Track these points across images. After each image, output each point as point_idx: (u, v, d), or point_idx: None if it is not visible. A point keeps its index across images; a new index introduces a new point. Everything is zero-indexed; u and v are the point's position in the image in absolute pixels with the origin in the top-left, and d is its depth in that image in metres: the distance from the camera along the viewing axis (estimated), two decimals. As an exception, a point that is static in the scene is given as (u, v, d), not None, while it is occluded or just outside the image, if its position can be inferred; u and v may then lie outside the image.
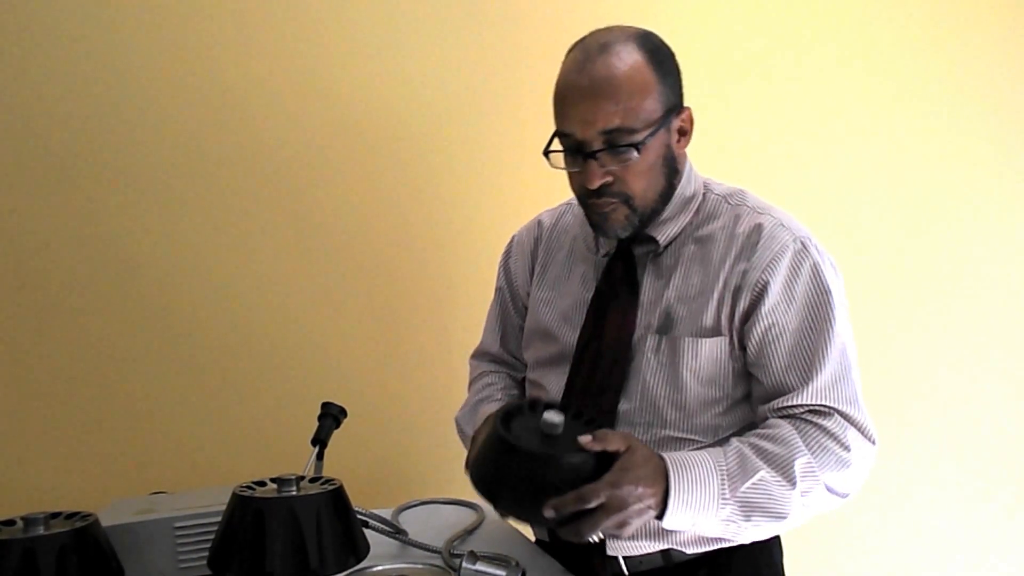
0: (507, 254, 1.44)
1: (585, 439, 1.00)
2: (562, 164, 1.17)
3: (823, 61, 2.05)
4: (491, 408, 1.27)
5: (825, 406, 1.11)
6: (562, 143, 1.16)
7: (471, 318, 1.67)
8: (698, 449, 1.13)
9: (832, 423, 1.10)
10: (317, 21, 1.74)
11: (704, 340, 1.15)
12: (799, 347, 1.13)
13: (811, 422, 1.10)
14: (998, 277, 2.18)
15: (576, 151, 1.13)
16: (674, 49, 1.18)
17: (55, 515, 1.01)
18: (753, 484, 1.05)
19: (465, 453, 1.27)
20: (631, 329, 1.19)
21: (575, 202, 1.37)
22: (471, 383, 1.47)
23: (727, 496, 1.04)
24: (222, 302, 1.72)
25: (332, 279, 1.79)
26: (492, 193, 1.85)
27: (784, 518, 1.07)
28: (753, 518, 1.06)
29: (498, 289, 1.45)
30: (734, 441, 1.10)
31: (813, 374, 1.11)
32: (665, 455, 1.05)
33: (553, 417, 1.00)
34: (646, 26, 1.18)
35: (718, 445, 1.13)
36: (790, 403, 1.12)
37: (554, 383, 1.26)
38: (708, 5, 1.97)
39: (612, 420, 1.18)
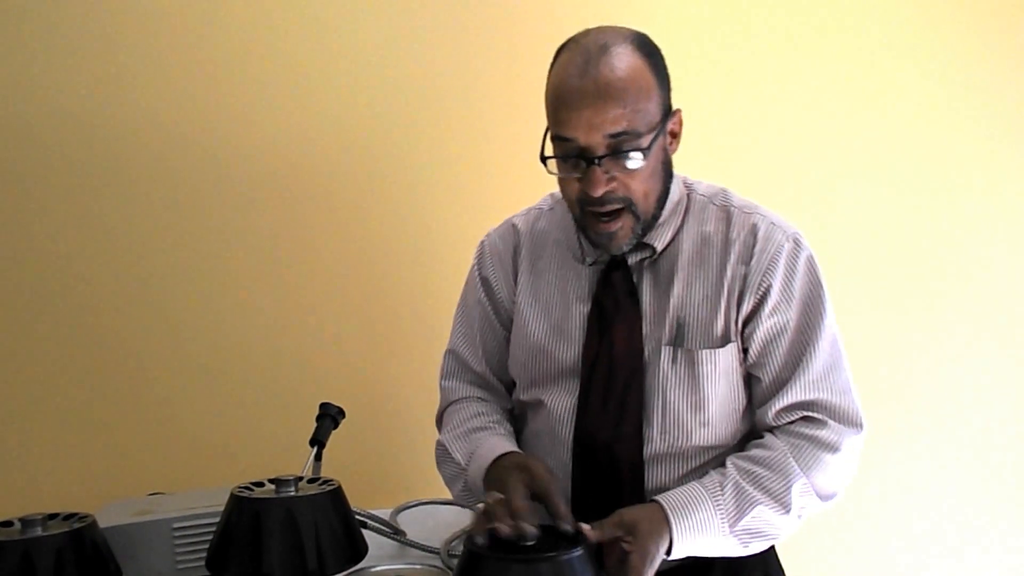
0: (480, 263, 1.32)
1: (585, 527, 0.98)
2: (561, 171, 1.11)
3: (812, 59, 2.04)
4: (492, 441, 1.17)
5: (819, 402, 1.13)
6: (559, 148, 1.09)
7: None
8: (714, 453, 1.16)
9: (827, 432, 1.11)
10: (303, 22, 1.74)
11: (719, 350, 1.14)
12: (796, 342, 1.14)
13: (806, 436, 1.12)
14: (997, 272, 2.17)
15: (578, 156, 1.07)
16: (662, 49, 1.15)
17: (53, 516, 1.01)
18: (752, 517, 1.08)
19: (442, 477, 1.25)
20: (640, 342, 1.15)
21: (546, 206, 1.31)
22: (449, 405, 1.33)
23: (726, 532, 1.07)
24: (220, 302, 1.72)
25: (330, 279, 1.78)
26: (491, 193, 1.85)
27: (779, 538, 1.12)
28: (751, 545, 1.10)
29: (476, 302, 1.31)
30: (731, 469, 1.11)
31: (807, 366, 1.13)
32: (661, 499, 1.07)
33: (526, 528, 0.96)
34: (635, 25, 1.15)
35: (715, 467, 1.14)
36: (787, 402, 1.13)
37: (559, 402, 1.19)
38: (699, 4, 1.97)
39: (639, 443, 1.14)
